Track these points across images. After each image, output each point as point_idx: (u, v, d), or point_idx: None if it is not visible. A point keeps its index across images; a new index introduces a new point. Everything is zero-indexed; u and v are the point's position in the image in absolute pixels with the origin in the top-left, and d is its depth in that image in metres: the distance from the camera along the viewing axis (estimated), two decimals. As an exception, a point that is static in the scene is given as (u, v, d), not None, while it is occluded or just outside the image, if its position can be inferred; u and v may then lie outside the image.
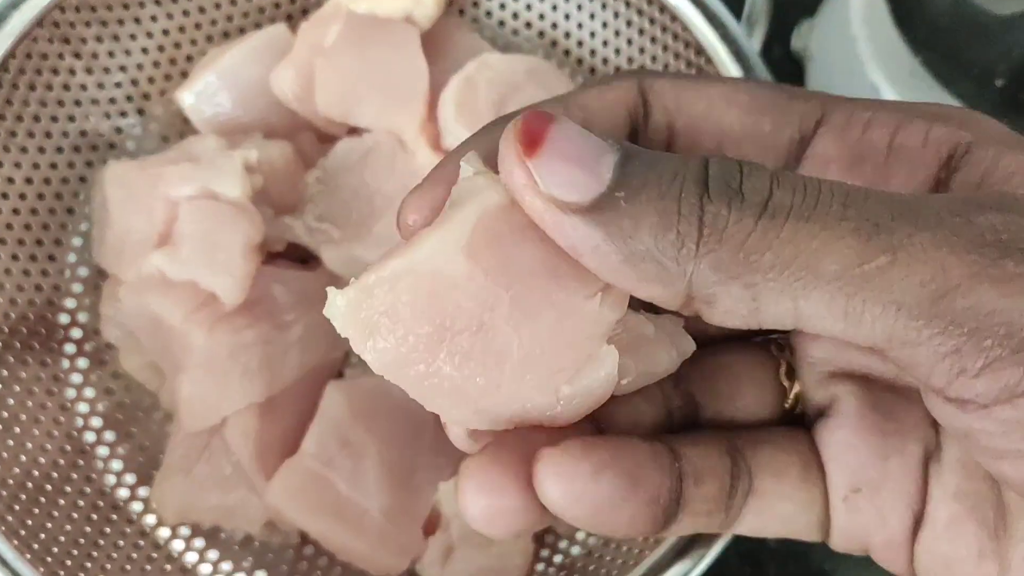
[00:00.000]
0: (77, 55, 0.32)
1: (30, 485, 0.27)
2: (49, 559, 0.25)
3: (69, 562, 0.26)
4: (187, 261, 0.29)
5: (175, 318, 0.28)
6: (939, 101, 0.29)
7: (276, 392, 0.30)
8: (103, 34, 0.32)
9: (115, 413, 0.31)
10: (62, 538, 0.26)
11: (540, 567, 0.29)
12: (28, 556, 0.24)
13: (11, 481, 0.26)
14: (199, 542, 0.29)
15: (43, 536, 0.26)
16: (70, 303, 0.32)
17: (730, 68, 0.30)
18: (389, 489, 0.29)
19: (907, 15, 0.30)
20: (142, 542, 0.29)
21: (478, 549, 0.27)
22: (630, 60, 0.34)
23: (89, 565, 0.26)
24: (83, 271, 0.32)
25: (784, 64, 0.38)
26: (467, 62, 0.32)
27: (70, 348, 0.31)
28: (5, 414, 0.28)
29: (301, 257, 0.33)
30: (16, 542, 0.24)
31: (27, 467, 0.27)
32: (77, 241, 0.32)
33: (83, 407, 0.30)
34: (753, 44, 0.30)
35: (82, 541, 0.27)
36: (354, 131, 0.33)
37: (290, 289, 0.31)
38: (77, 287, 0.32)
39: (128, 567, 0.27)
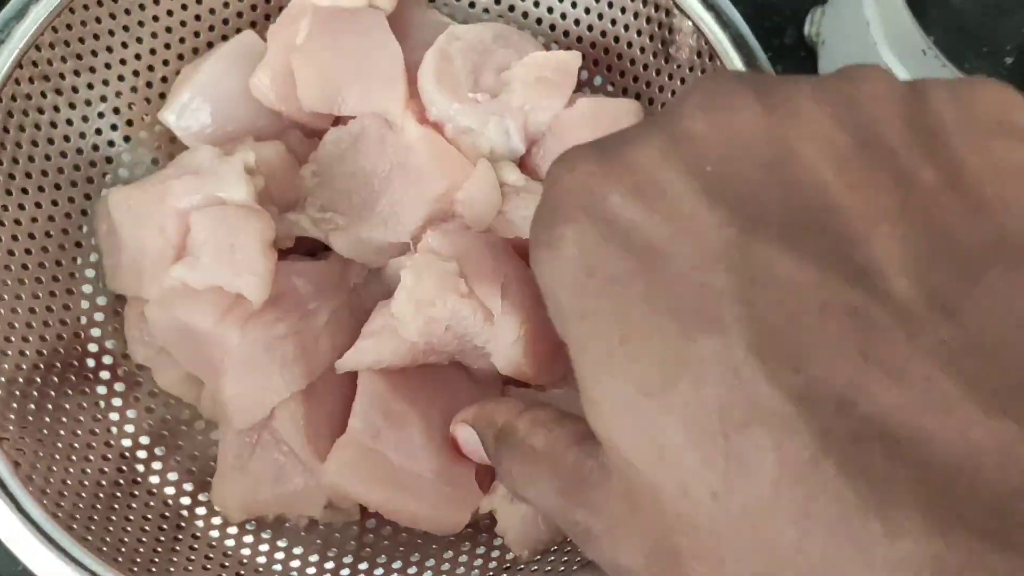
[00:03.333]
0: (58, 91, 0.32)
1: (98, 507, 0.28)
2: (135, 568, 0.26)
3: (154, 570, 0.27)
4: (208, 268, 0.30)
5: (207, 323, 0.29)
6: (951, 78, 0.31)
7: (315, 378, 0.31)
8: (79, 67, 0.33)
9: (160, 430, 0.32)
10: (141, 550, 0.27)
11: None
12: (117, 567, 0.25)
13: (81, 505, 0.27)
14: (267, 534, 0.30)
15: (124, 548, 0.27)
16: (95, 332, 0.32)
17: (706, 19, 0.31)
18: (437, 451, 0.30)
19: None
20: (214, 544, 0.30)
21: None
22: (587, 10, 0.35)
23: (172, 569, 0.27)
24: (101, 300, 0.33)
25: (797, 50, 0.39)
26: (434, 37, 0.34)
27: (105, 375, 0.32)
28: (60, 444, 0.29)
29: (308, 251, 0.34)
30: (103, 558, 0.25)
31: (92, 490, 0.28)
32: (89, 272, 0.33)
33: (129, 428, 0.31)
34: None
35: (159, 550, 0.28)
36: (338, 121, 0.34)
37: (309, 279, 0.32)
38: (99, 316, 0.33)
39: (207, 567, 0.28)
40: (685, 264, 0.15)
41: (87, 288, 0.33)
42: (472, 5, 0.37)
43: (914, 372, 0.13)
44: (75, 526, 0.26)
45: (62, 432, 0.29)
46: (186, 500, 0.30)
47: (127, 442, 0.31)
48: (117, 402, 0.32)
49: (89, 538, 0.26)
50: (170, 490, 0.30)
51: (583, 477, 0.17)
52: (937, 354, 0.13)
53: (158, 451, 0.31)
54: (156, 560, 0.27)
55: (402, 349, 0.30)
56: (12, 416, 0.28)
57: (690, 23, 0.32)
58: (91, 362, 0.32)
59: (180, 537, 0.29)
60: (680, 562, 0.15)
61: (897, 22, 0.32)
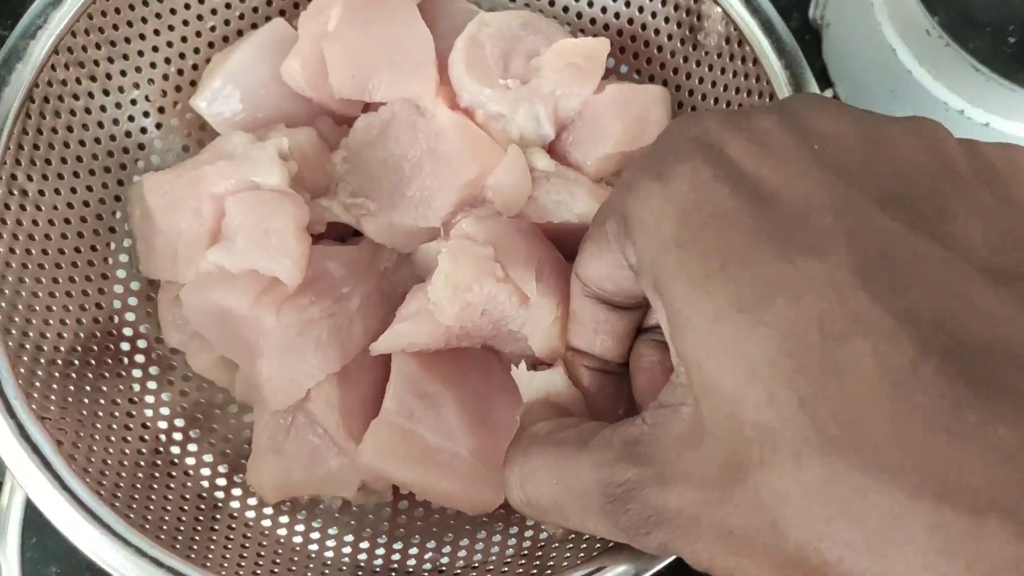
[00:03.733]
0: (93, 78, 0.33)
1: (138, 485, 0.28)
2: (178, 546, 0.26)
3: (195, 547, 0.27)
4: (243, 252, 0.30)
5: (243, 306, 0.30)
6: (955, 60, 0.31)
7: (349, 361, 0.31)
8: (113, 55, 0.33)
9: (194, 413, 0.32)
10: (181, 528, 0.28)
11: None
12: (160, 543, 0.25)
13: (121, 484, 0.27)
14: (301, 515, 0.31)
15: (165, 526, 0.27)
16: (130, 316, 0.33)
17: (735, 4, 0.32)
18: (472, 430, 0.30)
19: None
20: (250, 524, 0.30)
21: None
22: (617, -3, 0.35)
23: (212, 549, 0.27)
24: (135, 285, 0.33)
25: (802, 33, 0.39)
26: (463, 25, 0.34)
27: (139, 358, 0.32)
28: (99, 425, 0.29)
29: (340, 236, 0.34)
30: (147, 535, 0.25)
31: (132, 470, 0.29)
32: (123, 257, 0.33)
33: (164, 410, 0.32)
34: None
35: (199, 528, 0.28)
36: (369, 107, 0.34)
37: (342, 264, 0.32)
38: (132, 300, 0.33)
39: (245, 547, 0.29)
40: (792, 207, 0.16)
41: (121, 273, 0.33)
42: (499, -8, 0.37)
43: (999, 311, 0.15)
44: (118, 504, 0.26)
45: (100, 413, 0.29)
46: (222, 482, 0.31)
47: (163, 424, 0.31)
48: (152, 385, 0.32)
49: (132, 515, 0.26)
50: (206, 471, 0.31)
51: (624, 441, 0.18)
52: (1018, 302, 0.15)
53: (193, 433, 0.32)
54: (196, 539, 0.27)
55: (437, 333, 0.30)
56: (53, 397, 0.28)
57: (719, 9, 0.32)
58: (126, 346, 0.32)
59: (218, 517, 0.29)
60: (745, 477, 0.15)
61: (901, 3, 0.33)
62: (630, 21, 0.36)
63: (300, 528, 0.30)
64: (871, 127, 0.18)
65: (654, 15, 0.35)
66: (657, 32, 0.35)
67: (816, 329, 0.15)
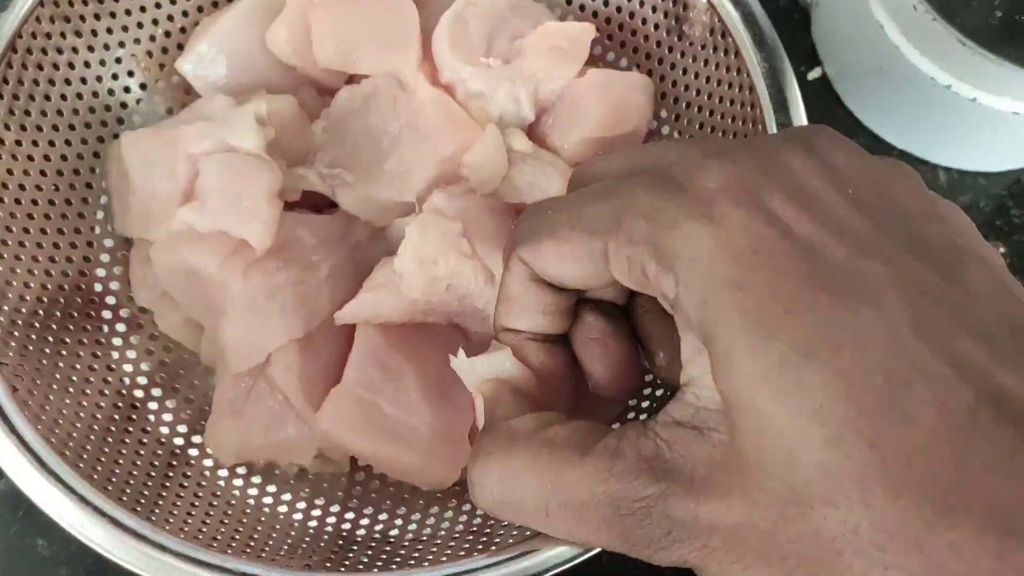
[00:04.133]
0: (78, 33, 0.33)
1: (93, 437, 0.28)
2: (124, 497, 0.26)
3: (143, 500, 0.27)
4: (215, 213, 0.30)
5: (210, 267, 0.30)
6: (942, 35, 0.31)
7: (313, 328, 0.31)
8: (100, 11, 0.33)
9: (158, 372, 0.32)
10: (132, 481, 0.28)
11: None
12: (106, 493, 0.25)
13: (75, 435, 0.28)
14: (257, 479, 0.31)
15: (115, 478, 0.27)
16: (100, 272, 0.33)
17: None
18: (432, 406, 0.30)
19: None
20: (204, 483, 0.30)
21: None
22: (606, -16, 0.35)
23: (160, 503, 0.27)
24: (108, 242, 0.33)
25: (791, 12, 0.39)
26: (450, 3, 0.34)
27: (107, 314, 0.32)
28: (59, 376, 0.29)
29: (315, 206, 0.34)
30: (93, 484, 0.26)
31: (87, 422, 0.29)
32: (100, 215, 0.33)
33: (128, 367, 0.32)
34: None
35: (150, 483, 0.28)
36: (352, 79, 0.34)
37: (313, 232, 0.32)
38: (105, 257, 0.33)
39: (196, 503, 0.29)
40: (841, 254, 0.17)
41: (96, 229, 0.33)
42: (491, -24, 0.37)
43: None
44: (68, 452, 0.26)
45: (61, 364, 0.30)
46: (179, 440, 0.31)
47: (126, 380, 0.31)
48: (118, 342, 0.32)
49: (81, 465, 0.26)
50: (165, 429, 0.31)
51: (640, 456, 0.19)
52: None
53: (155, 392, 0.32)
54: (146, 492, 0.27)
55: (402, 305, 0.30)
56: (13, 344, 0.28)
57: (704, 1, 0.32)
58: (95, 301, 0.32)
59: (171, 474, 0.29)
60: (807, 511, 0.16)
61: None
62: (618, 9, 0.36)
63: (254, 492, 0.30)
64: (872, 168, 0.20)
65: (641, 3, 0.35)
66: (644, 21, 0.35)
67: (881, 377, 0.16)
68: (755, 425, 0.17)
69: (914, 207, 0.19)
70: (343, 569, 0.26)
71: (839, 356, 0.16)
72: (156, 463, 0.29)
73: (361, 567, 0.26)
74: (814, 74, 0.39)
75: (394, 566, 0.26)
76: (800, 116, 0.30)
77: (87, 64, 0.33)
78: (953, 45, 0.32)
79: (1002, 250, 0.36)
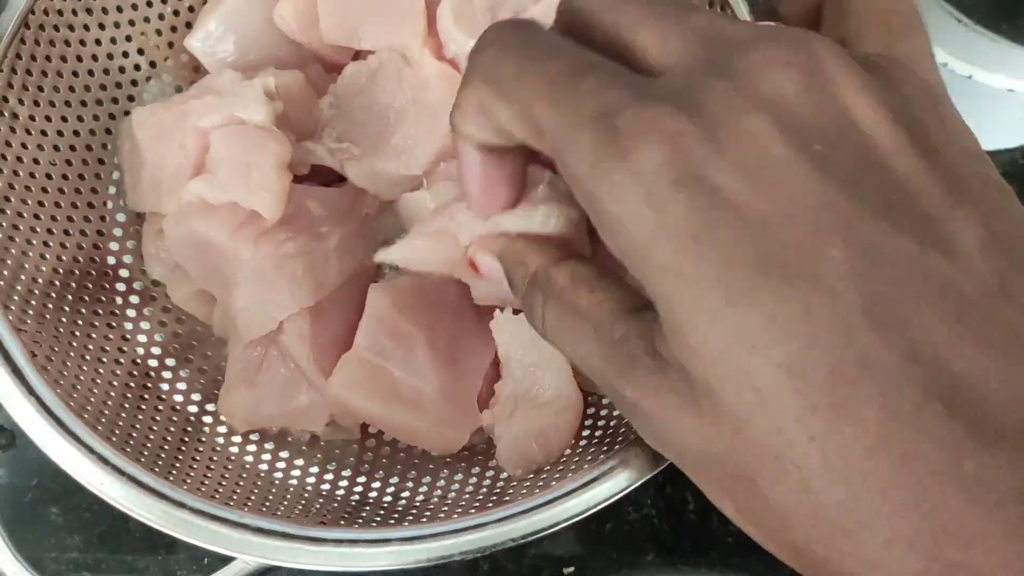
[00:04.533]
0: (89, 11, 0.33)
1: (110, 403, 0.29)
2: (143, 459, 0.27)
3: (160, 462, 0.28)
4: (225, 184, 0.31)
5: (221, 237, 0.30)
6: (937, 12, 0.31)
7: (323, 297, 0.32)
8: (109, -13, 0.34)
9: (171, 343, 0.33)
10: (149, 443, 0.28)
11: (588, 423, 0.31)
12: (125, 454, 0.26)
13: (92, 399, 0.28)
14: (269, 445, 0.31)
15: (133, 441, 0.28)
16: (113, 246, 0.33)
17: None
18: (441, 371, 0.31)
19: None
20: (218, 448, 0.30)
21: (537, 408, 0.30)
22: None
23: (178, 465, 0.28)
24: (121, 216, 0.34)
25: None
26: (455, -21, 0.34)
27: (121, 287, 0.33)
28: (75, 344, 0.30)
29: (324, 180, 0.35)
30: (112, 445, 0.26)
31: (104, 388, 0.29)
32: (112, 190, 0.34)
33: (142, 338, 0.32)
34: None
35: (166, 447, 0.29)
36: (358, 56, 0.35)
37: (322, 204, 0.33)
38: (118, 231, 0.34)
39: (211, 467, 0.29)
40: (798, 233, 0.16)
41: (108, 204, 0.34)
42: (494, -47, 0.38)
43: (998, 340, 0.16)
44: (87, 415, 0.27)
45: (77, 334, 0.30)
46: (194, 408, 0.32)
47: (140, 350, 0.32)
48: (131, 313, 0.33)
49: (100, 427, 0.27)
50: (179, 397, 0.32)
51: (633, 358, 0.18)
52: (1011, 330, 0.16)
53: (169, 362, 0.32)
54: (163, 454, 0.28)
55: (453, 256, 0.30)
56: (31, 312, 0.29)
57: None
58: (108, 274, 0.33)
59: (187, 439, 0.30)
60: (753, 484, 0.17)
61: None
62: (620, -17, 0.36)
63: (267, 458, 0.31)
64: (814, 80, 0.17)
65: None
66: (646, -5, 0.35)
67: (826, 374, 0.15)
68: (702, 388, 0.17)
69: (899, 151, 0.17)
70: (357, 525, 0.27)
71: (784, 351, 0.15)
72: (171, 428, 0.30)
73: (375, 524, 0.27)
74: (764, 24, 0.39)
75: (407, 523, 0.27)
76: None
77: (98, 41, 0.34)
78: (949, 22, 0.32)
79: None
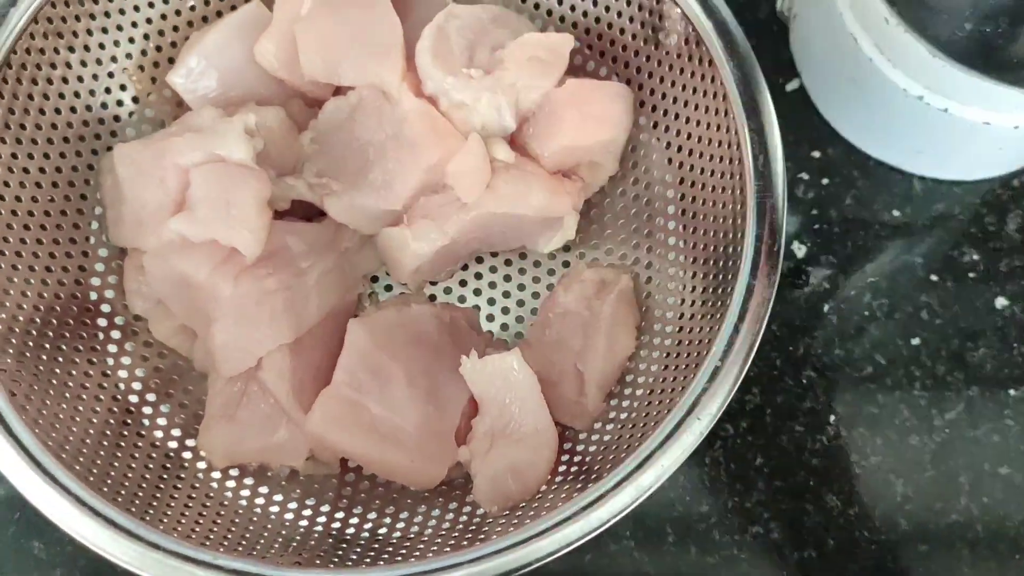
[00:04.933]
0: (71, 48, 0.34)
1: (89, 441, 0.29)
2: (119, 498, 0.27)
3: (137, 501, 0.28)
4: (205, 221, 0.31)
5: (201, 274, 0.31)
6: (914, 47, 0.32)
7: (303, 333, 0.32)
8: (92, 27, 0.34)
9: (152, 378, 0.33)
10: (127, 482, 0.28)
11: (564, 458, 0.31)
12: (102, 494, 0.26)
13: (71, 438, 0.28)
14: (249, 480, 0.32)
15: (110, 480, 0.28)
16: (95, 281, 0.34)
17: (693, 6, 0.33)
18: (419, 406, 0.31)
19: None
20: (197, 485, 0.31)
21: (513, 444, 0.30)
22: (585, -4, 0.36)
23: (155, 504, 0.28)
24: (103, 252, 0.34)
25: (770, 23, 0.40)
26: (432, 15, 0.35)
27: (102, 322, 0.33)
28: (55, 382, 0.30)
29: (305, 215, 0.35)
30: (89, 485, 0.26)
31: (83, 426, 0.29)
32: (94, 225, 0.34)
33: (123, 373, 0.33)
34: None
35: (144, 485, 0.29)
36: (339, 91, 0.35)
37: (303, 240, 0.33)
38: (99, 267, 0.34)
39: (189, 504, 0.29)
40: None
41: (91, 240, 0.34)
42: (474, -12, 0.38)
43: None
44: (64, 455, 0.27)
45: (57, 371, 0.30)
46: (174, 444, 0.32)
47: (121, 386, 0.32)
48: (113, 349, 0.33)
49: (77, 467, 0.27)
50: (159, 433, 0.32)
51: None
52: None
53: (150, 397, 0.33)
54: (140, 493, 0.28)
55: (464, 219, 0.32)
56: (10, 350, 0.29)
57: (679, 11, 0.33)
58: (90, 310, 0.33)
59: (165, 476, 0.30)
60: None
61: None
62: (597, 20, 0.37)
63: (246, 493, 0.31)
64: None
65: (619, 14, 0.36)
66: (622, 31, 0.36)
67: None
68: None
69: None
70: (332, 565, 0.27)
71: None
72: (150, 466, 0.30)
73: (350, 563, 0.27)
74: (792, 85, 0.40)
75: (382, 562, 0.27)
76: (771, 122, 0.31)
77: (80, 79, 0.34)
78: (924, 57, 0.33)
79: (976, 257, 0.38)
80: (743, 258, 0.29)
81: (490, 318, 0.36)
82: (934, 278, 0.38)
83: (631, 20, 0.36)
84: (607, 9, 0.36)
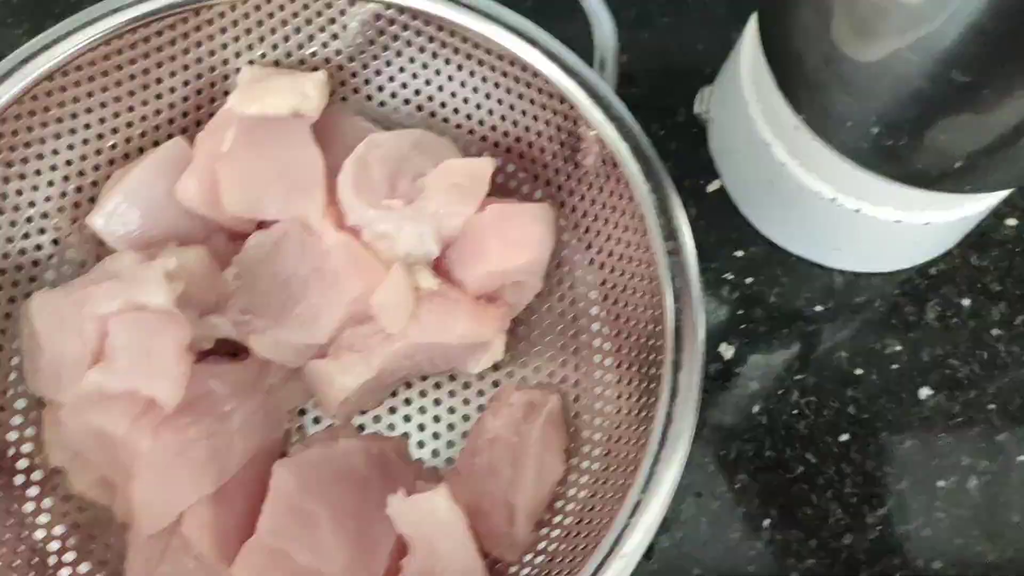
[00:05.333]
0: (-14, 199, 0.33)
1: (0, 615, 0.28)
2: None
3: None
4: (123, 372, 0.30)
5: (119, 429, 0.30)
6: (823, 153, 0.33)
7: (226, 481, 0.31)
8: (10, 174, 0.34)
9: (71, 535, 0.32)
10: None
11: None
12: None
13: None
14: (175, 639, 0.30)
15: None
16: (12, 435, 0.33)
17: (591, 110, 0.33)
18: (347, 549, 0.30)
19: (786, 78, 0.33)
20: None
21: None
22: (503, 118, 0.37)
23: None
24: (20, 403, 0.33)
25: (689, 125, 0.42)
26: (356, 144, 0.35)
27: (19, 479, 0.32)
28: (-35, 550, 0.29)
29: (230, 351, 0.34)
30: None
31: (-5, 597, 0.28)
32: (12, 376, 0.33)
33: (40, 532, 0.31)
34: (607, 85, 0.34)
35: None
36: (262, 225, 0.35)
37: (225, 381, 0.32)
38: (17, 419, 0.33)
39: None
40: None
41: (9, 392, 0.33)
42: (397, 110, 0.39)
43: None
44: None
45: (-30, 536, 0.29)
46: (94, 606, 0.30)
47: (40, 534, 0.31)
48: (30, 507, 0.32)
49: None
50: (78, 594, 0.30)
51: None
52: None
53: (68, 556, 0.31)
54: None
55: (390, 348, 0.32)
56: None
57: (594, 133, 0.34)
58: (6, 463, 0.32)
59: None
60: None
61: (771, 102, 0.34)
62: (518, 139, 0.37)
63: (171, 654, 0.30)
64: None
65: (539, 134, 0.36)
66: (543, 151, 0.37)
67: None
68: None
69: None
70: None
71: None
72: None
73: None
74: (713, 186, 0.41)
75: None
76: (687, 245, 0.31)
77: (-4, 227, 0.34)
78: (834, 162, 0.34)
79: (898, 348, 0.38)
80: (665, 370, 0.29)
81: (420, 444, 0.35)
82: (859, 371, 0.38)
83: (550, 140, 0.36)
84: (527, 129, 0.37)
